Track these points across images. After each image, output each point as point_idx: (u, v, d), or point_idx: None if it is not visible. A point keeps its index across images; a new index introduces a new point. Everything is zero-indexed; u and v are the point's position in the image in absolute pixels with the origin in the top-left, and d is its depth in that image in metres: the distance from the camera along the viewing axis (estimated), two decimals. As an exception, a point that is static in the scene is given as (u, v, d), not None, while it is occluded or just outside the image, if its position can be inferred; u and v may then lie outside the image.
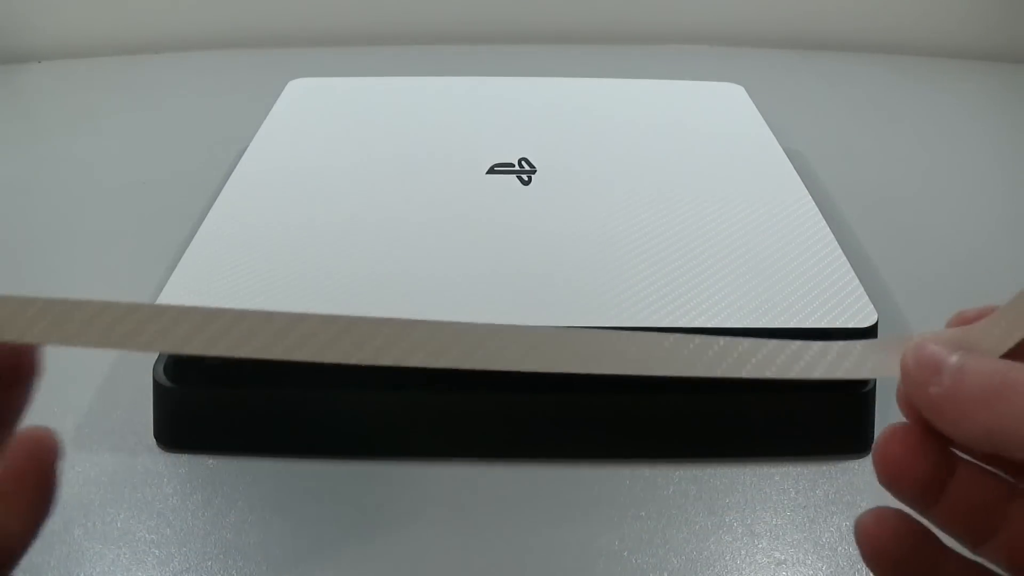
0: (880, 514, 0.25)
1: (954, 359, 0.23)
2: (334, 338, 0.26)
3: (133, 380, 0.34)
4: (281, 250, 0.40)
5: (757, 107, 0.56)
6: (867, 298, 0.37)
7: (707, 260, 0.39)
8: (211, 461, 0.36)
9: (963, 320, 0.26)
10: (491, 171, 0.47)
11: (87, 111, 0.70)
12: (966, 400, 0.23)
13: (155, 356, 0.36)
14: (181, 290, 0.37)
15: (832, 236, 0.41)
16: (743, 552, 0.32)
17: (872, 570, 0.25)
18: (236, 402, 0.36)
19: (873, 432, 0.36)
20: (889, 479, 0.24)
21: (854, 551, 0.32)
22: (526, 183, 0.46)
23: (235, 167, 0.48)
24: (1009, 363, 0.23)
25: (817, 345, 0.27)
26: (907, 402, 0.24)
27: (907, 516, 0.25)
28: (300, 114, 0.55)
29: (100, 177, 0.59)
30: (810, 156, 0.58)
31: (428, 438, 0.36)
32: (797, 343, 0.27)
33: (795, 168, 0.48)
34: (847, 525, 0.33)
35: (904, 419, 0.24)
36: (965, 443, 0.24)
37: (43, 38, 0.81)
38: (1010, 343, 0.25)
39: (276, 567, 0.31)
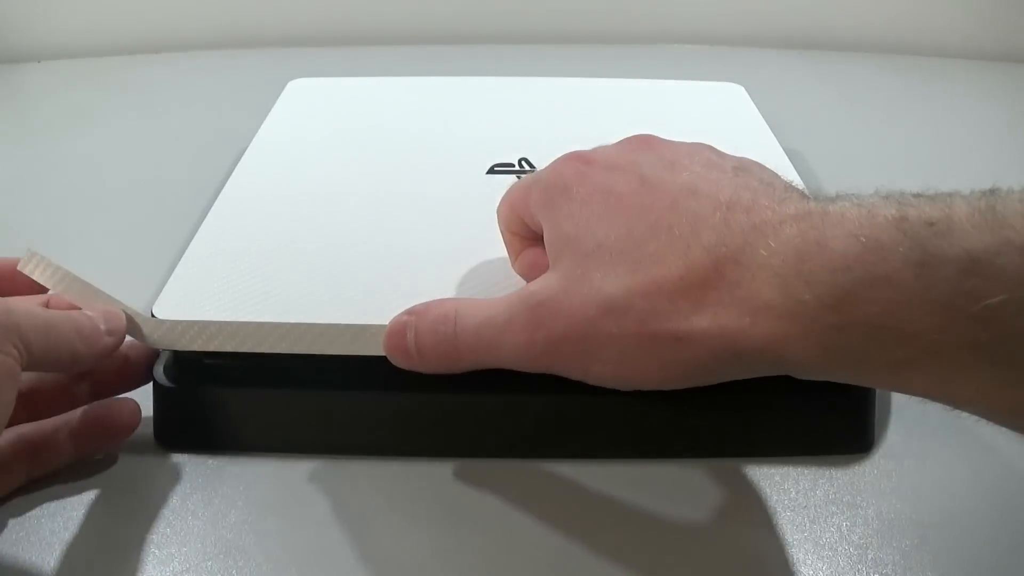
0: None
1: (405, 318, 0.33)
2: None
3: (133, 380, 0.34)
4: (281, 251, 0.40)
5: (757, 107, 0.56)
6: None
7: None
8: (211, 461, 0.36)
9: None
10: (491, 171, 0.47)
11: (87, 111, 0.70)
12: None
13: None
14: (181, 291, 0.37)
15: (832, 236, 0.41)
16: (743, 552, 0.32)
17: None
18: (236, 402, 0.36)
19: (873, 432, 0.37)
20: None
21: (854, 551, 0.32)
22: (526, 183, 0.46)
23: (235, 167, 0.48)
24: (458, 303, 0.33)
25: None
26: None
27: None
28: (300, 114, 0.55)
29: (100, 177, 0.59)
30: (810, 156, 0.58)
31: (429, 437, 0.36)
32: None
33: (795, 168, 0.48)
34: (847, 525, 0.33)
35: None
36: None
37: (43, 38, 0.81)
38: None
39: (276, 567, 0.31)
